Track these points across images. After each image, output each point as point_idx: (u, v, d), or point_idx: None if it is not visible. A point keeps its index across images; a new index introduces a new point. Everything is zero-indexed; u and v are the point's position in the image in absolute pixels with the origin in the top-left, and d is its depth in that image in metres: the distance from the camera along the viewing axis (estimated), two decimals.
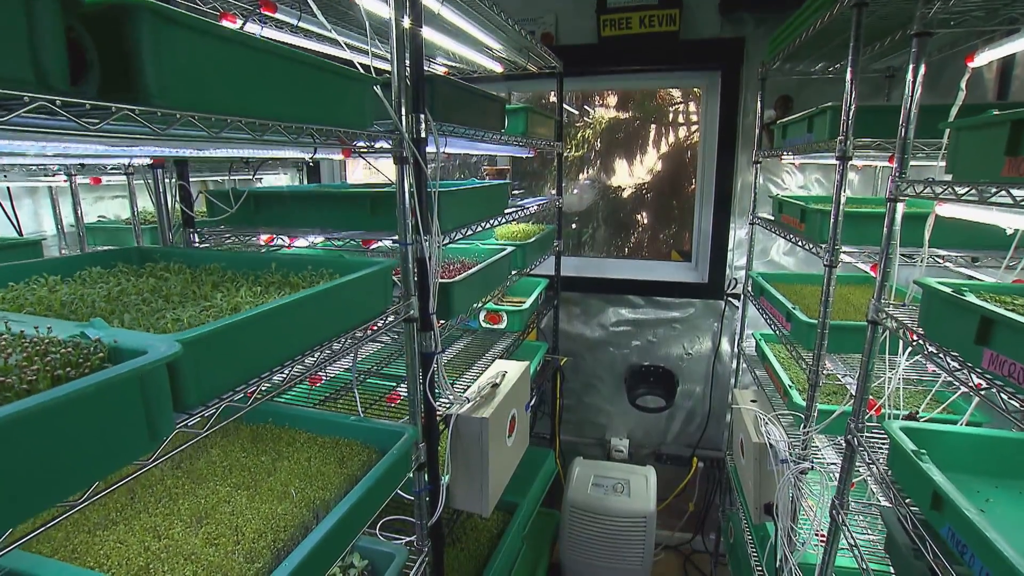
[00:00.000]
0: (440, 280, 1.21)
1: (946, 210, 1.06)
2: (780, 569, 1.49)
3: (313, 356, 0.84)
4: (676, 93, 3.33)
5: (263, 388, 0.75)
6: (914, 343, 0.94)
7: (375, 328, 1.01)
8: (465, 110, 1.32)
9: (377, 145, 1.09)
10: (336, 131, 0.86)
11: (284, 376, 0.79)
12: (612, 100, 3.35)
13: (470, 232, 1.38)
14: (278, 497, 0.92)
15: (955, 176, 0.88)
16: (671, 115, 3.32)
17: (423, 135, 1.09)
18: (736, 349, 2.26)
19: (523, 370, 1.50)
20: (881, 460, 1.06)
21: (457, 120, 1.24)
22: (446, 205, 1.22)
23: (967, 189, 0.80)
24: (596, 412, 2.63)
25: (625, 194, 3.31)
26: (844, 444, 1.21)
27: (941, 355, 0.85)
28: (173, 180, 1.35)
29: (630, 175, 3.33)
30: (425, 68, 1.06)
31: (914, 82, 1.05)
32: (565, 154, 3.35)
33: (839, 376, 1.50)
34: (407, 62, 1.04)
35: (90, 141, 0.55)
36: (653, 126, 3.31)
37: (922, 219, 1.23)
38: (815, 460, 1.47)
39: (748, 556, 1.82)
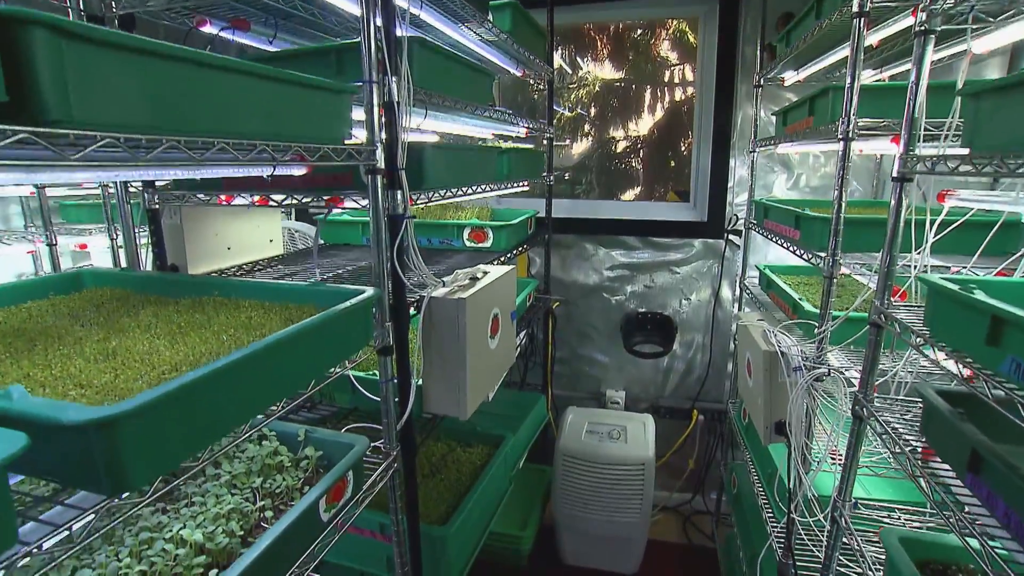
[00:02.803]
0: (411, 140, 1.07)
1: (984, 44, 0.93)
2: (793, 493, 1.34)
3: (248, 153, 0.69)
4: (672, 56, 3.23)
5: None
6: (957, 168, 0.81)
7: (329, 158, 0.86)
8: None
9: None
10: None
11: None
12: (605, 54, 3.25)
13: (447, 110, 1.24)
14: (206, 341, 0.77)
15: None
16: (667, 75, 3.23)
17: None
18: (739, 287, 2.12)
19: (508, 271, 1.36)
20: (918, 324, 0.92)
21: None
22: (417, 57, 1.08)
23: None
24: (590, 364, 2.48)
25: (620, 151, 3.20)
26: (869, 328, 1.07)
27: (993, 160, 0.72)
28: None
29: (625, 137, 3.23)
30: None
31: None
32: (560, 112, 3.24)
33: (855, 277, 1.36)
34: None
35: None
36: (648, 90, 3.21)
37: (950, 89, 1.11)
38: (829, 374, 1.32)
39: (755, 495, 1.66)
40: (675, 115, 3.07)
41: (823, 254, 1.29)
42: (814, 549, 1.39)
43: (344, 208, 1.16)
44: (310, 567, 0.84)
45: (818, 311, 1.32)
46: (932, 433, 0.90)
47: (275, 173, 0.85)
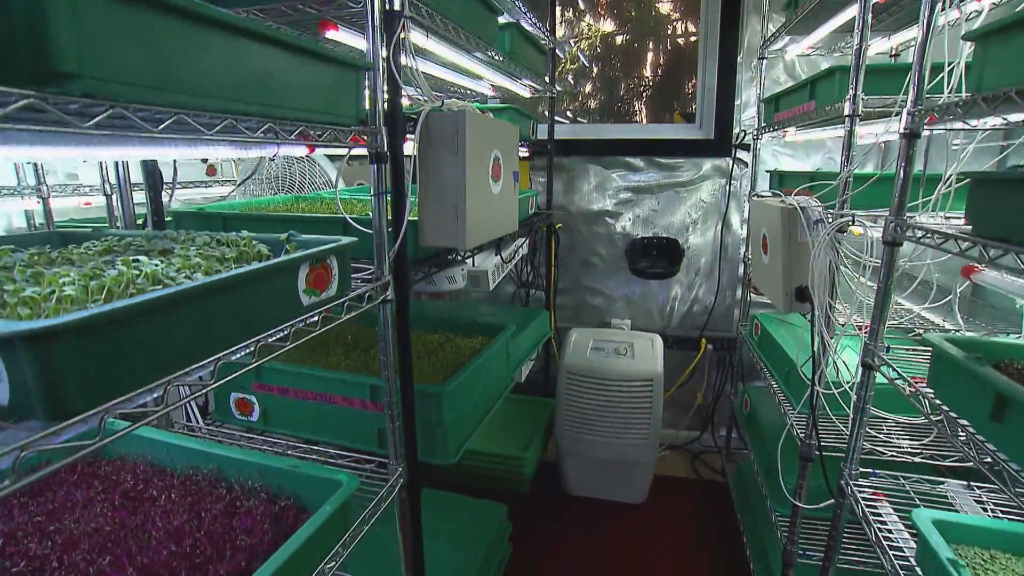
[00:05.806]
0: None
1: None
2: (817, 361, 1.25)
3: None
4: (675, 14, 3.22)
5: None
6: None
7: None
8: None
9: None
10: None
11: None
12: (606, 4, 3.22)
13: None
14: None
15: None
16: (669, 30, 3.21)
17: None
18: (748, 203, 2.05)
19: (509, 124, 1.28)
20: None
21: None
22: None
23: None
24: (594, 294, 2.39)
25: (623, 95, 3.17)
26: (900, 138, 0.99)
27: None
28: None
29: (627, 88, 3.20)
30: None
31: None
32: (562, 61, 3.20)
33: (878, 121, 1.29)
34: None
35: None
36: (650, 47, 3.19)
37: None
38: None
39: (773, 397, 1.56)
40: (679, 61, 3.03)
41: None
42: (839, 424, 1.29)
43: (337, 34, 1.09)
44: (286, 345, 0.75)
45: (839, 169, 1.24)
46: (978, 213, 0.81)
47: None
